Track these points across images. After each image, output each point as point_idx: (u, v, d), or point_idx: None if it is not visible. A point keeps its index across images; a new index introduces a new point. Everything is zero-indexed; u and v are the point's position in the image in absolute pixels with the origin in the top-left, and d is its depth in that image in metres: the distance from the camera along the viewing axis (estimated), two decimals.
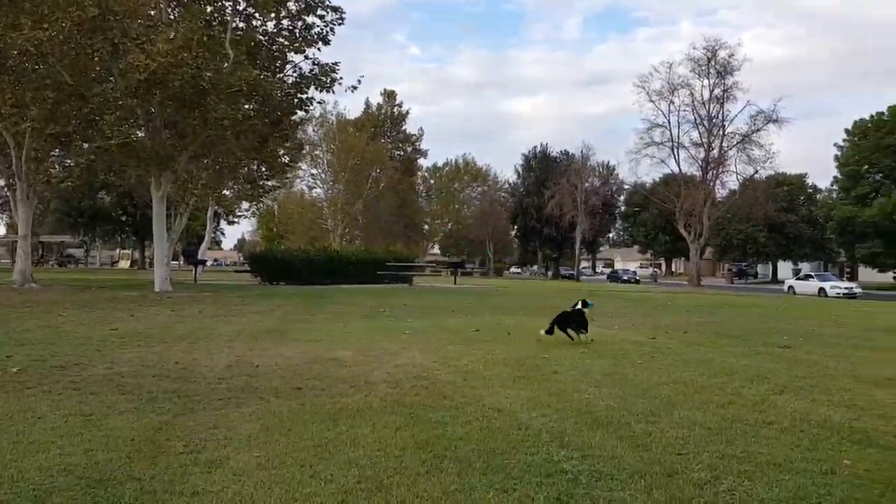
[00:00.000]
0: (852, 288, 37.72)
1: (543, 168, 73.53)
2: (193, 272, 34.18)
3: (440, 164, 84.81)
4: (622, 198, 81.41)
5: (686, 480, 3.85)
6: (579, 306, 10.45)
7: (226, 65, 21.20)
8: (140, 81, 19.50)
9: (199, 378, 6.76)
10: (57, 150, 26.31)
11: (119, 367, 7.30)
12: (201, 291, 22.81)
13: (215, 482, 3.73)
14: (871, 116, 52.23)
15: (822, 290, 37.89)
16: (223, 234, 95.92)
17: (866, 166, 52.16)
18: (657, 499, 3.55)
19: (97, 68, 21.70)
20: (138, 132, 23.68)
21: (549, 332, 10.20)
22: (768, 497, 3.61)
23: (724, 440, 4.71)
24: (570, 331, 10.25)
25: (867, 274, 58.00)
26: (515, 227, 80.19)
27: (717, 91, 49.98)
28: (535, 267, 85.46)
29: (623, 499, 3.56)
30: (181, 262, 55.67)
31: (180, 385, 6.37)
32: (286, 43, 23.58)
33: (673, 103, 52.03)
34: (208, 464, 4.05)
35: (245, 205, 45.10)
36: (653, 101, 52.06)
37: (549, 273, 78.96)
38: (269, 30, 23.73)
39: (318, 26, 23.31)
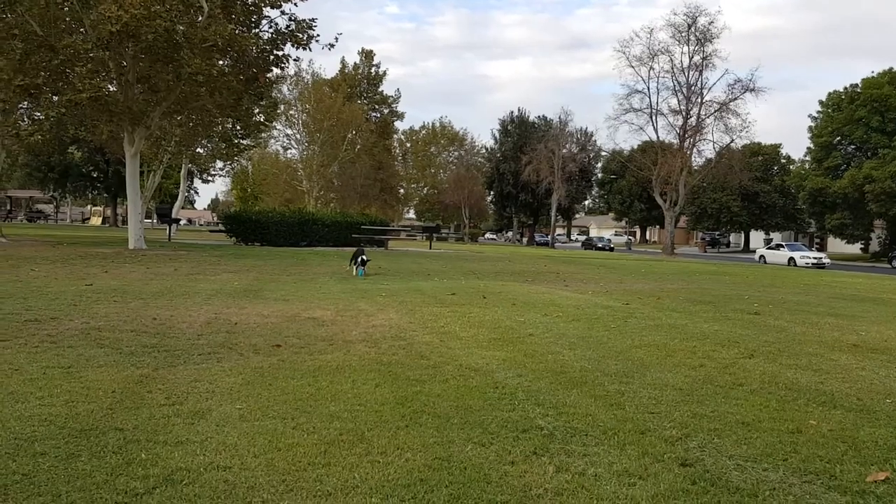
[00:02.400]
0: (821, 258, 38.43)
1: (521, 133, 73.20)
2: (168, 231, 33.83)
3: (416, 127, 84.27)
4: (599, 165, 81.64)
5: (658, 437, 3.98)
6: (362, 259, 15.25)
7: (200, 18, 20.70)
8: (112, 33, 18.98)
9: (177, 334, 6.77)
10: (26, 102, 25.58)
11: (96, 321, 7.27)
12: (176, 250, 22.63)
13: (199, 432, 3.77)
14: (845, 88, 52.71)
15: (791, 259, 38.55)
16: (197, 193, 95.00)
17: (839, 138, 52.79)
18: (630, 454, 3.67)
19: (67, 19, 21.07)
20: (110, 86, 23.11)
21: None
22: (737, 453, 3.74)
23: (694, 400, 4.85)
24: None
25: (836, 245, 59.21)
26: (491, 192, 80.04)
27: (697, 58, 49.88)
28: (511, 233, 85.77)
29: (597, 453, 3.67)
30: (154, 221, 54.99)
31: (159, 340, 6.38)
32: None
33: (653, 69, 51.98)
34: (191, 415, 4.09)
35: (219, 164, 44.50)
36: (633, 67, 51.99)
37: (525, 240, 79.32)
38: None
39: None
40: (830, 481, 3.37)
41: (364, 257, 15.36)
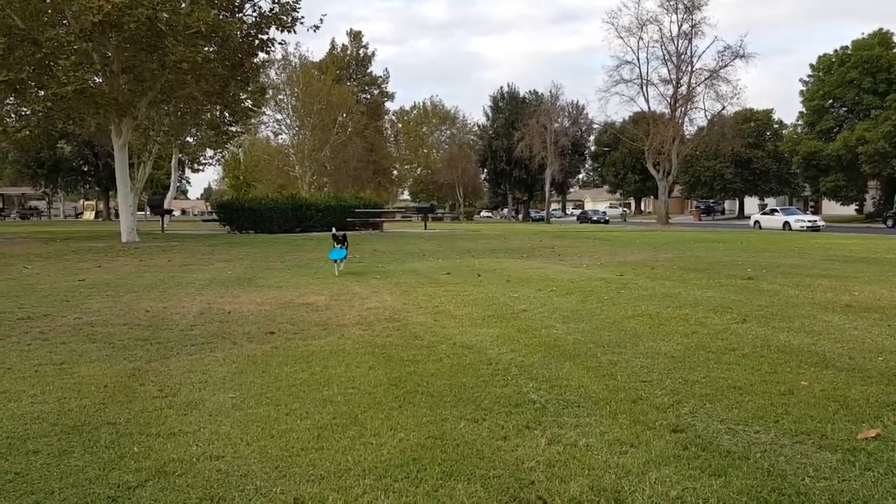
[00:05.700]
0: (816, 221, 38.49)
1: (512, 109, 72.69)
2: (160, 222, 33.73)
3: (407, 107, 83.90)
4: (592, 138, 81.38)
5: (650, 405, 4.00)
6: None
7: (182, 5, 20.48)
8: (94, 24, 18.76)
9: (170, 325, 6.75)
10: (11, 98, 25.35)
11: (88, 316, 7.26)
12: (169, 241, 22.56)
13: (191, 423, 3.78)
14: (836, 51, 52.50)
15: (786, 223, 38.61)
16: (189, 183, 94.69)
17: (830, 101, 52.69)
18: (622, 423, 3.68)
19: (49, 11, 20.84)
20: (95, 77, 22.93)
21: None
22: (728, 417, 3.76)
23: (686, 367, 4.87)
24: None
25: (831, 207, 59.28)
26: (485, 170, 79.76)
27: (685, 26, 49.59)
28: (506, 210, 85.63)
29: (589, 424, 3.68)
30: (147, 213, 54.79)
31: (152, 332, 6.37)
32: None
33: (642, 39, 51.94)
34: (184, 406, 4.09)
35: (210, 152, 44.27)
36: (622, 38, 51.94)
37: (520, 216, 79.22)
38: None
39: None
40: (821, 440, 3.39)
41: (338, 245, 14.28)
